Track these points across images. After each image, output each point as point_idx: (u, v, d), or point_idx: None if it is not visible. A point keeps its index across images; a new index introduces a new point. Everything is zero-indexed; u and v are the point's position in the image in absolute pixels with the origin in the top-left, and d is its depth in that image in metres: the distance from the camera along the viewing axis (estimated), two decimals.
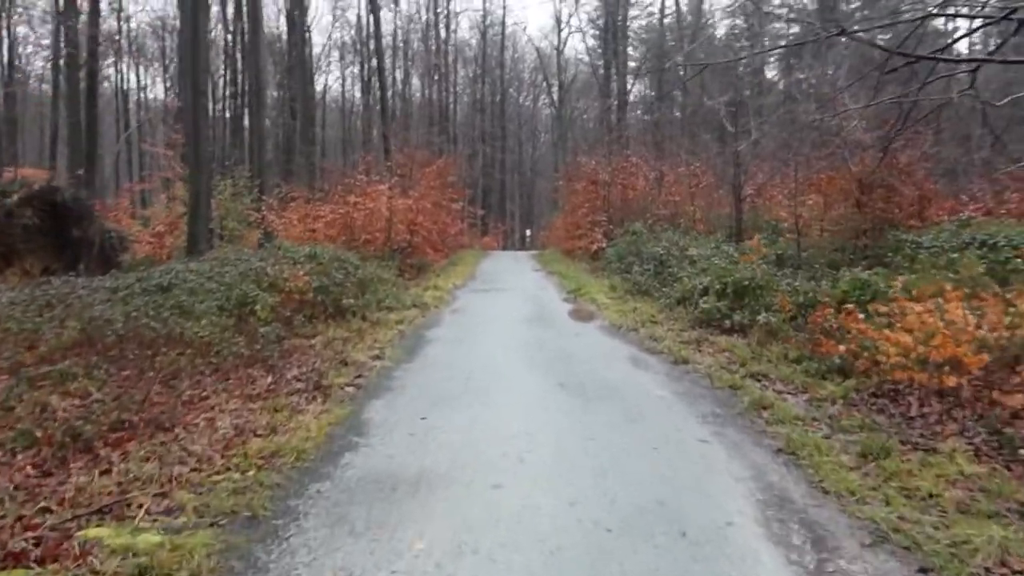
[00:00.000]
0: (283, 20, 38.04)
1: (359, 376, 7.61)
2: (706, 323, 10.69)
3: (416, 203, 20.16)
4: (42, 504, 4.14)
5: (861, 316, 7.35)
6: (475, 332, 10.59)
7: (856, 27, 7.17)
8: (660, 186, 23.07)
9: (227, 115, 36.94)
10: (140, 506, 4.11)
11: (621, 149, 25.33)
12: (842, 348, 6.91)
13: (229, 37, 39.20)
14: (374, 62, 36.27)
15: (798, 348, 8.48)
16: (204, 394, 7.08)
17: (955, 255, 11.45)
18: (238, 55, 38.23)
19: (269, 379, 7.64)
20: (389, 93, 40.52)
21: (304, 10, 37.51)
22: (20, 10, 37.33)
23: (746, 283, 10.81)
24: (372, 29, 33.66)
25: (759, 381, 7.47)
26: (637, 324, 11.12)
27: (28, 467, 4.83)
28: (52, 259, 14.54)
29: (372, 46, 34.46)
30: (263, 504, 4.09)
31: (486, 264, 26.22)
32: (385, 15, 49.65)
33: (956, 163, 16.74)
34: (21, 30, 40.11)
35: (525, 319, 11.93)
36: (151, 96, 51.19)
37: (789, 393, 6.99)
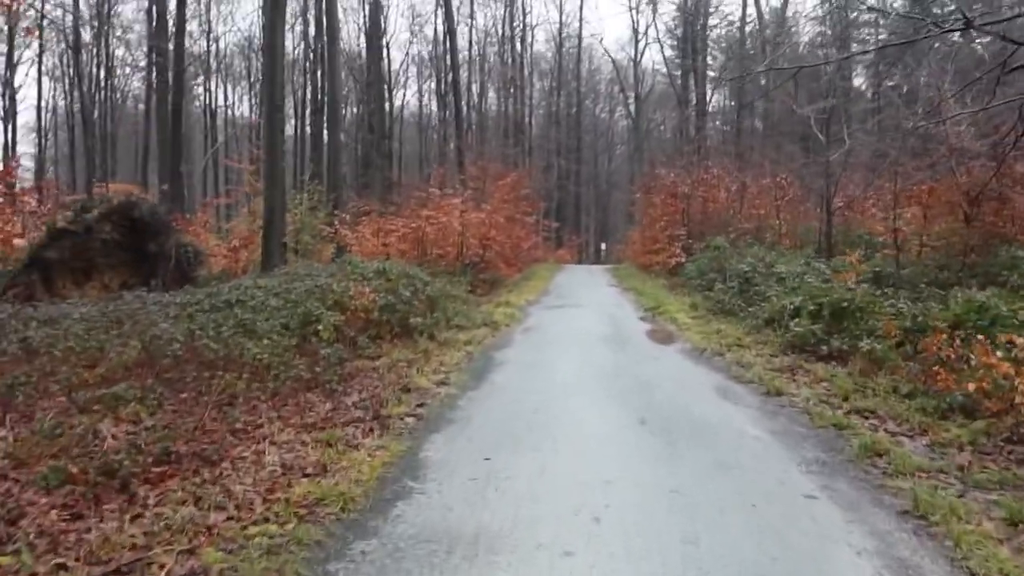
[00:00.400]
0: (362, 37, 38.37)
1: (421, 405, 7.05)
2: (799, 348, 9.75)
3: (489, 217, 19.69)
4: (59, 559, 3.68)
5: (990, 346, 6.36)
6: (547, 354, 9.93)
7: (978, 21, 6.25)
8: (742, 198, 21.97)
9: (307, 131, 37.44)
10: (161, 567, 3.61)
11: (701, 160, 24.30)
12: (971, 385, 5.94)
13: (310, 54, 39.91)
14: (451, 76, 36.15)
15: (909, 380, 7.51)
16: (259, 421, 6.65)
17: None
18: (317, 72, 38.86)
19: (328, 405, 7.19)
20: (464, 106, 40.39)
21: (381, 28, 37.78)
22: (119, 33, 38.94)
23: (844, 304, 9.84)
24: (448, 44, 33.45)
25: (867, 419, 6.58)
26: (722, 348, 10.27)
27: (59, 508, 4.42)
28: (130, 274, 14.62)
29: (448, 61, 34.19)
30: (296, 570, 3.53)
31: (560, 278, 25.55)
32: (462, 29, 49.83)
33: None
34: (119, 52, 41.87)
35: (600, 339, 11.20)
36: (238, 113, 52.63)
37: (904, 435, 6.08)
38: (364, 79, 39.83)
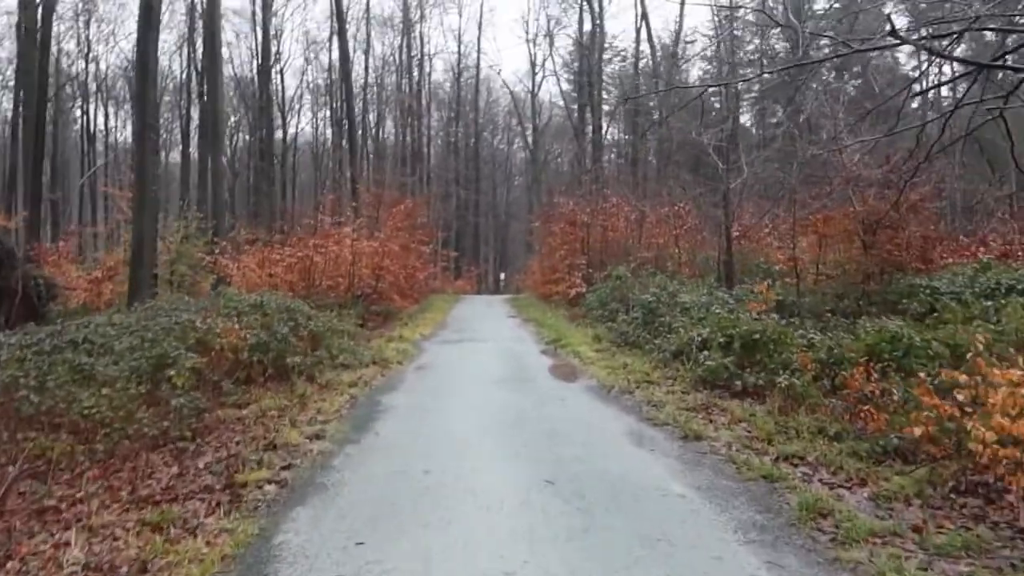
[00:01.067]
0: (254, 63, 36.56)
1: (287, 466, 5.86)
2: (711, 384, 9.09)
3: (382, 246, 18.50)
4: None
5: (928, 385, 5.73)
6: (441, 397, 8.85)
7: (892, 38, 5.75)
8: (641, 228, 21.65)
9: (194, 157, 35.17)
10: None
11: (600, 189, 23.94)
12: (916, 430, 5.27)
13: (197, 78, 37.71)
14: (345, 103, 34.82)
15: (835, 420, 6.88)
16: (78, 495, 5.33)
17: (988, 303, 10.04)
18: (204, 96, 36.72)
19: (173, 469, 5.95)
20: (359, 133, 39.07)
21: (271, 52, 36.16)
22: None
23: (755, 336, 9.23)
24: (342, 70, 32.19)
25: (796, 467, 5.85)
26: (630, 384, 9.48)
27: None
28: None
29: (343, 88, 32.91)
30: None
31: (458, 310, 24.50)
32: (358, 57, 48.62)
33: (976, 200, 15.49)
34: None
35: (500, 379, 10.22)
36: (120, 138, 49.34)
37: (843, 487, 5.35)
38: (256, 104, 37.93)
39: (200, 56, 37.28)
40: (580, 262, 21.01)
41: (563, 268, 22.69)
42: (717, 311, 12.02)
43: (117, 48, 71.57)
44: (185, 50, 39.68)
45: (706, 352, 9.91)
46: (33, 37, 24.53)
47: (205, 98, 24.61)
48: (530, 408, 8.20)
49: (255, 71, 36.15)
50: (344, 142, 33.49)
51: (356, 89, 47.72)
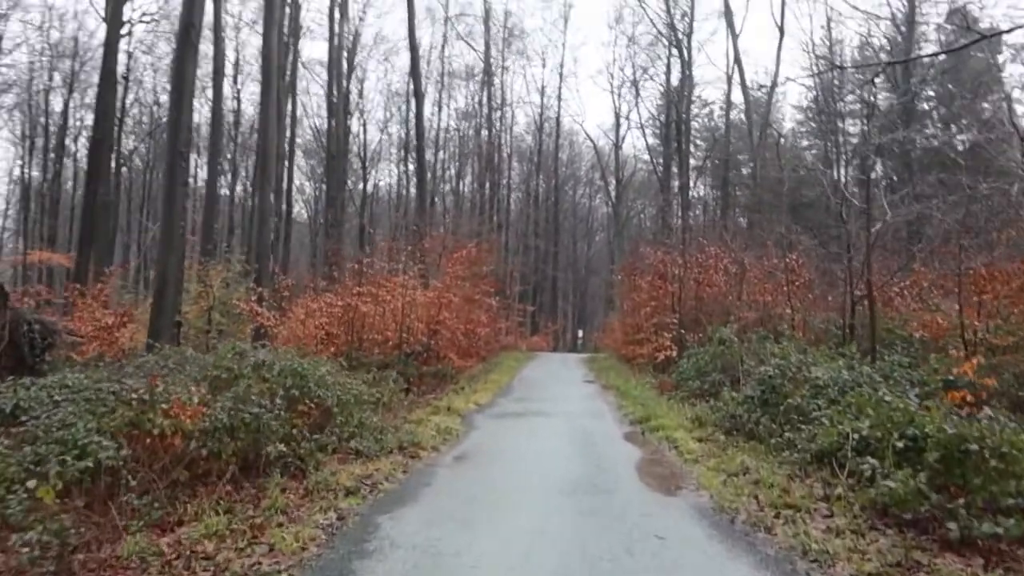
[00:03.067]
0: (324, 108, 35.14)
1: None
2: (896, 518, 5.67)
3: (439, 296, 15.66)
4: None
5: None
6: (472, 525, 5.67)
7: None
8: (742, 283, 18.16)
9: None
10: None
11: (692, 239, 20.59)
12: None
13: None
14: (416, 143, 32.90)
15: None
16: None
17: None
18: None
19: None
20: (434, 183, 37.02)
21: (343, 94, 34.70)
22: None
23: (967, 445, 5.76)
24: (415, 107, 30.25)
25: None
26: (764, 509, 6.12)
27: None
28: None
29: (414, 124, 30.93)
30: None
31: (528, 371, 21.37)
32: (439, 108, 47.19)
33: None
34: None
35: (567, 485, 6.99)
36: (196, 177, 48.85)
37: None
38: (327, 151, 36.44)
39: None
40: (670, 321, 17.64)
41: (649, 327, 19.35)
42: (867, 393, 8.58)
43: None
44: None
45: (871, 461, 6.52)
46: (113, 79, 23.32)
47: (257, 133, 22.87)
48: (610, 550, 4.97)
49: (327, 117, 34.63)
50: (414, 188, 31.36)
51: (434, 139, 46.18)
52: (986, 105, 41.48)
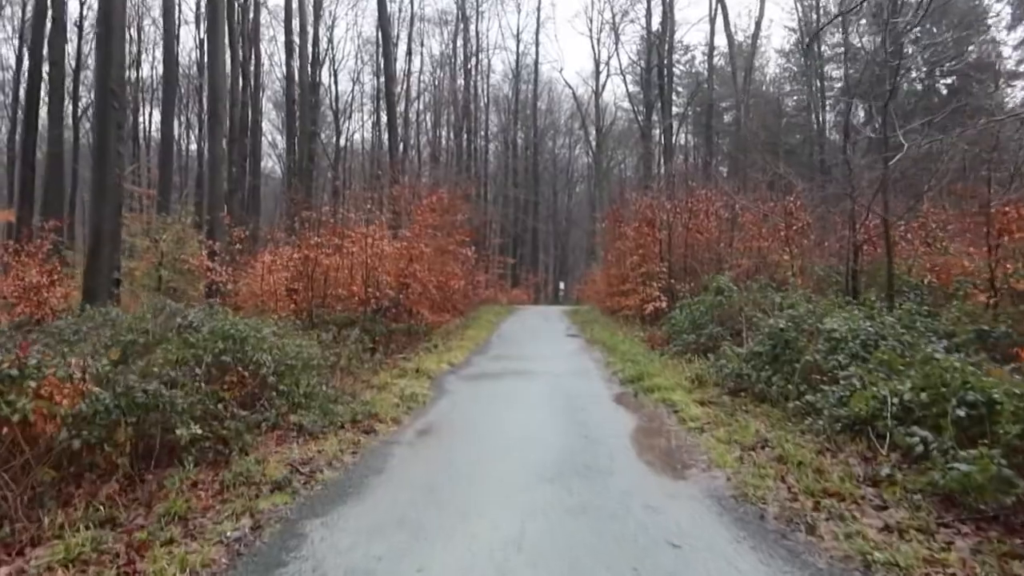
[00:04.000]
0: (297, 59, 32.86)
1: None
2: (969, 509, 4.43)
3: (409, 247, 14.15)
4: None
5: None
6: (428, 531, 4.29)
7: None
8: (732, 228, 16.79)
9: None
10: None
11: (680, 183, 19.11)
12: None
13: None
14: (384, 84, 30.91)
15: None
16: None
17: None
18: (238, 84, 33.27)
19: None
20: (401, 123, 35.06)
21: (310, 40, 32.50)
22: None
23: None
24: (383, 57, 28.22)
25: None
26: (798, 501, 4.82)
27: None
28: None
29: (381, 61, 28.93)
30: None
31: (508, 326, 20.02)
32: (413, 56, 44.85)
33: None
34: None
35: (551, 465, 5.65)
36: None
37: None
38: (286, 95, 34.31)
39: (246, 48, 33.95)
40: (659, 270, 16.28)
41: (635, 278, 18.01)
42: (897, 347, 7.35)
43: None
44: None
45: (921, 432, 5.28)
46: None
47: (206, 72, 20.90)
48: (609, 563, 3.65)
49: (285, 59, 32.42)
50: (384, 134, 29.50)
51: (408, 87, 44.03)
52: (971, 47, 40.13)
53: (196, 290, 15.09)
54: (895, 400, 5.93)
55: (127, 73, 42.71)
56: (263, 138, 46.48)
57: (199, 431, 5.38)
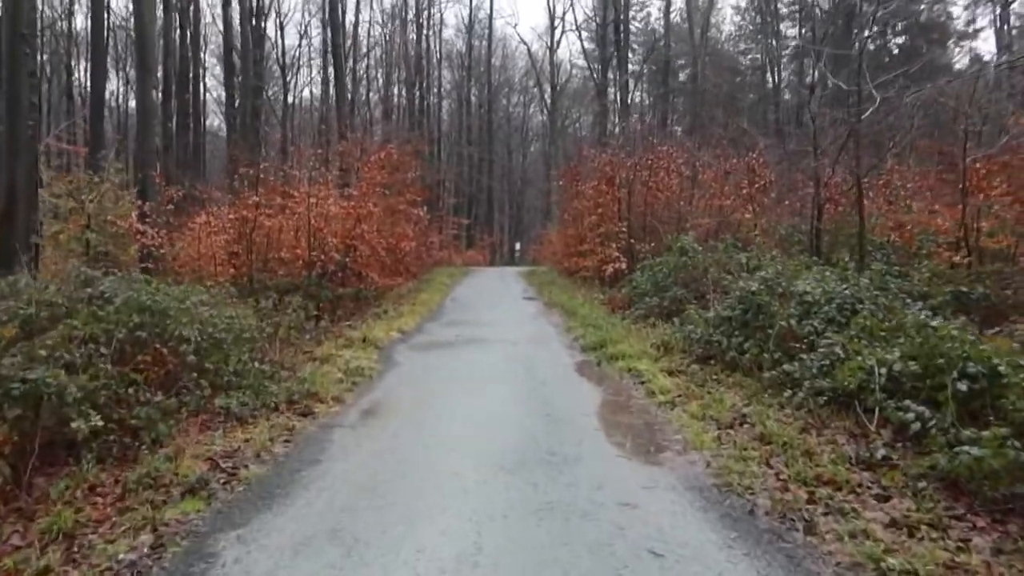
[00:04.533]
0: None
1: None
2: (982, 499, 3.92)
3: (356, 207, 13.21)
4: None
5: None
6: (365, 545, 3.60)
7: None
8: (695, 187, 16.22)
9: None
10: None
11: (639, 140, 18.41)
12: None
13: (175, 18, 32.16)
14: (331, 36, 29.36)
15: None
16: None
17: None
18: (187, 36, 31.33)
19: None
20: (350, 78, 33.56)
21: None
22: None
23: None
24: (329, 5, 26.69)
25: None
26: (789, 491, 4.26)
27: None
28: None
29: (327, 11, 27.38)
30: None
31: (463, 288, 19.30)
32: (362, 10, 42.91)
33: None
34: None
35: (510, 451, 4.99)
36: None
37: None
38: (224, 44, 32.47)
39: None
40: (618, 230, 15.64)
41: (594, 238, 17.38)
42: (877, 312, 6.87)
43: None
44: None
45: (916, 408, 4.79)
46: None
47: (133, 19, 19.33)
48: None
49: (238, 16, 30.45)
50: (332, 89, 28.07)
51: (357, 42, 42.27)
52: (923, 6, 40.09)
53: (128, 255, 13.95)
54: (883, 371, 5.41)
55: (59, 25, 40.07)
56: (208, 95, 44.42)
57: (100, 422, 4.57)
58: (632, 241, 15.00)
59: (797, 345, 6.82)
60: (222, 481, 4.37)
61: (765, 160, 14.69)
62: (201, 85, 40.42)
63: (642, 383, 7.26)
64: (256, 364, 6.87)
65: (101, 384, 4.98)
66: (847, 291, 7.40)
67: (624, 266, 14.76)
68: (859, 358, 5.75)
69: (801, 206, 15.64)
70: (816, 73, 12.88)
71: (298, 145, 18.82)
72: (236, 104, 31.12)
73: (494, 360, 8.68)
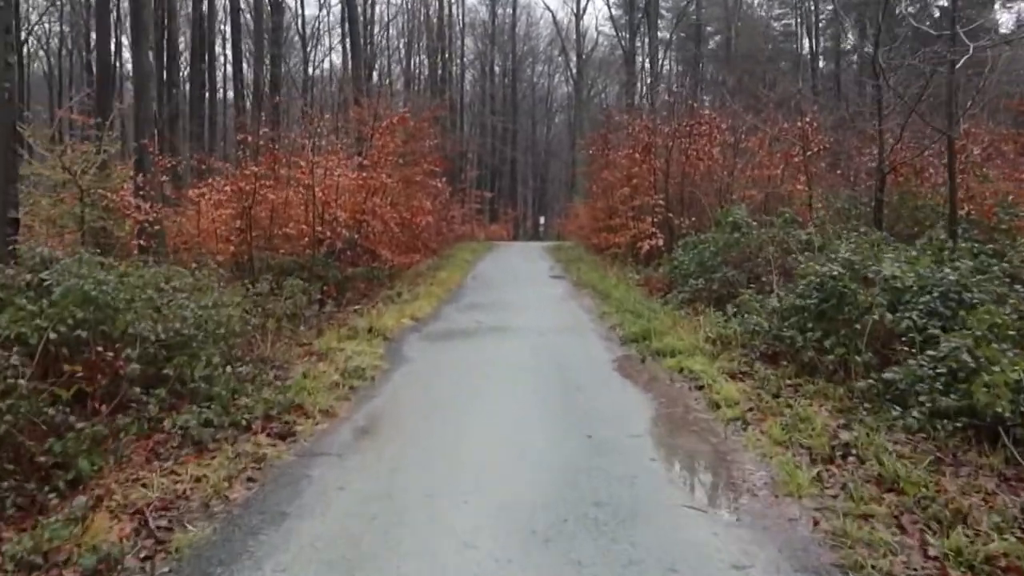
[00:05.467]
0: None
1: None
2: None
3: (368, 177, 11.88)
4: None
5: None
6: None
7: None
8: (737, 155, 14.62)
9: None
10: None
11: (678, 104, 16.78)
12: None
13: None
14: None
15: None
16: None
17: None
18: None
19: None
20: (369, 47, 32.05)
21: None
22: None
23: None
24: None
25: None
26: (949, 572, 2.87)
27: None
28: None
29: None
30: None
31: (485, 265, 17.98)
32: None
33: None
34: None
35: (542, 502, 3.68)
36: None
37: None
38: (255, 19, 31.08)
39: None
40: (655, 202, 14.14)
41: (626, 211, 15.91)
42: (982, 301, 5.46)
43: None
44: None
45: None
46: None
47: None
48: None
49: None
50: (349, 59, 26.60)
51: (378, 14, 40.71)
52: None
53: (123, 231, 12.78)
54: None
55: None
56: (227, 67, 43.11)
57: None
58: (670, 215, 13.50)
59: (898, 347, 5.41)
60: (143, 555, 3.10)
61: (818, 125, 13.07)
62: (221, 56, 39.23)
63: (699, 388, 5.91)
64: (231, 368, 5.59)
65: (8, 406, 3.75)
66: (951, 277, 5.94)
67: (661, 243, 13.30)
68: (995, 369, 4.35)
69: (855, 176, 14.06)
70: (881, 17, 11.19)
71: (307, 112, 17.36)
72: (241, 72, 29.78)
73: (519, 355, 7.35)
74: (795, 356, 6.33)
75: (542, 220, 48.42)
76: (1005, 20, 35.41)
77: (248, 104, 28.61)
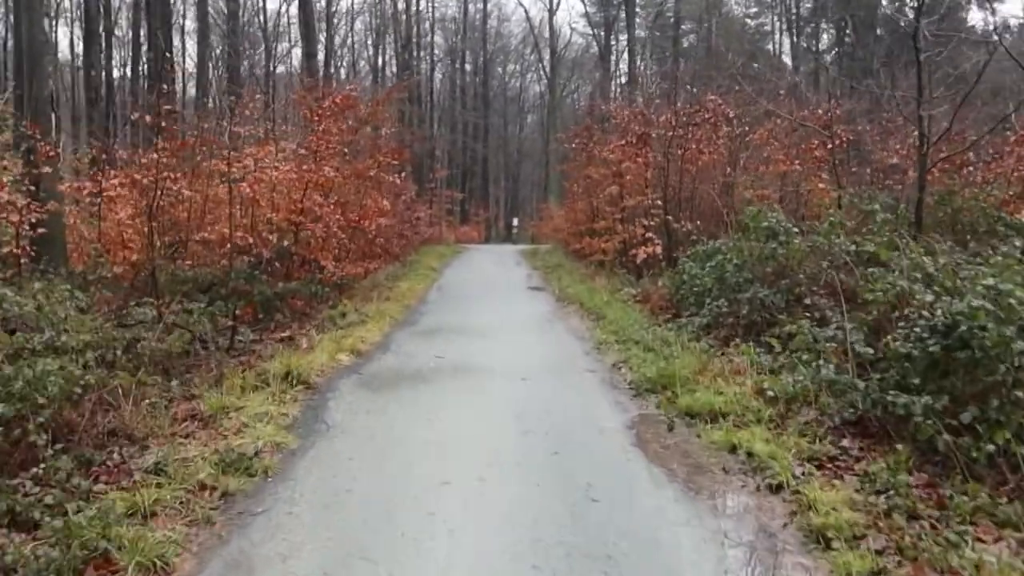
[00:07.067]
0: None
1: None
2: None
3: (309, 172, 9.48)
4: None
5: None
6: None
7: None
8: (743, 148, 12.48)
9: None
10: None
11: (678, 89, 14.53)
12: None
13: None
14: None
15: None
16: None
17: None
18: None
19: None
20: (323, 35, 29.45)
21: None
22: None
23: None
24: None
25: None
26: None
27: None
28: None
29: None
30: None
31: (453, 272, 15.68)
32: None
33: None
34: None
35: None
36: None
37: None
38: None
39: None
40: (651, 203, 11.90)
41: (612, 213, 13.69)
42: None
43: None
44: None
45: None
46: None
47: None
48: None
49: None
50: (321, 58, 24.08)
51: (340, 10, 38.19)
52: None
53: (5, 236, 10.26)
54: None
55: None
56: (188, 59, 40.16)
57: None
58: (669, 218, 11.28)
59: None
60: None
61: (840, 113, 10.99)
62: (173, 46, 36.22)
63: (774, 490, 3.68)
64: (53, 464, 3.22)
65: None
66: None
67: (658, 250, 11.11)
68: None
69: (875, 172, 12.04)
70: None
71: (237, 93, 14.84)
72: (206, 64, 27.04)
73: (494, 428, 5.02)
74: (900, 430, 4.13)
75: (515, 222, 46.10)
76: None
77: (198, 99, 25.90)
